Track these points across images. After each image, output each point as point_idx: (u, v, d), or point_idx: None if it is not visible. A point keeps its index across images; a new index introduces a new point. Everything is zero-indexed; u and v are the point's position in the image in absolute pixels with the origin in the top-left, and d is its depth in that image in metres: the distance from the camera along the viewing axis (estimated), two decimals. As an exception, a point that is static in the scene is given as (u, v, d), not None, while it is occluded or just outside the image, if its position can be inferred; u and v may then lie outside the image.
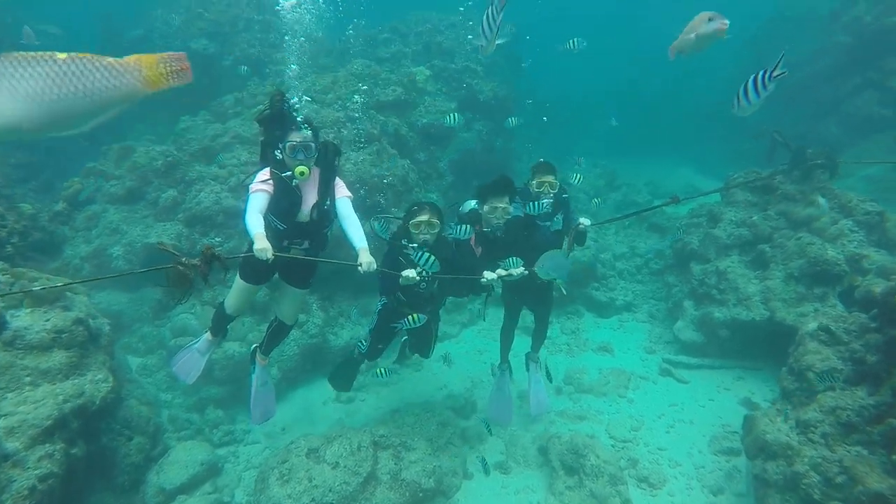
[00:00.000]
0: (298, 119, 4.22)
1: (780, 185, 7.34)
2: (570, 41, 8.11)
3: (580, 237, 5.29)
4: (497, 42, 5.28)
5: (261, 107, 4.31)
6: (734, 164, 14.55)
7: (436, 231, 4.66)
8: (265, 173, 4.11)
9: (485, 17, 3.80)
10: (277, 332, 5.17)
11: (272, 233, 4.19)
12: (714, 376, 7.34)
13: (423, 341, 5.47)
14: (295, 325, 5.21)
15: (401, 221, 4.98)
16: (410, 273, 4.34)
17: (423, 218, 4.61)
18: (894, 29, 11.63)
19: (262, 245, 3.72)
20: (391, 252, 4.83)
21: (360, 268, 4.00)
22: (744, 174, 8.00)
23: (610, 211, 12.41)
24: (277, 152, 4.15)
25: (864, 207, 6.87)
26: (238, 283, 4.71)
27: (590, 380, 7.40)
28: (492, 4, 3.66)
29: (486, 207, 5.09)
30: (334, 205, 4.36)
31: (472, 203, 5.37)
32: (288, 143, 4.07)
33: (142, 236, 7.50)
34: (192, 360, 5.12)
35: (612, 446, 6.14)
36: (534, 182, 5.21)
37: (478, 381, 7.56)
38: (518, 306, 6.05)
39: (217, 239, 7.71)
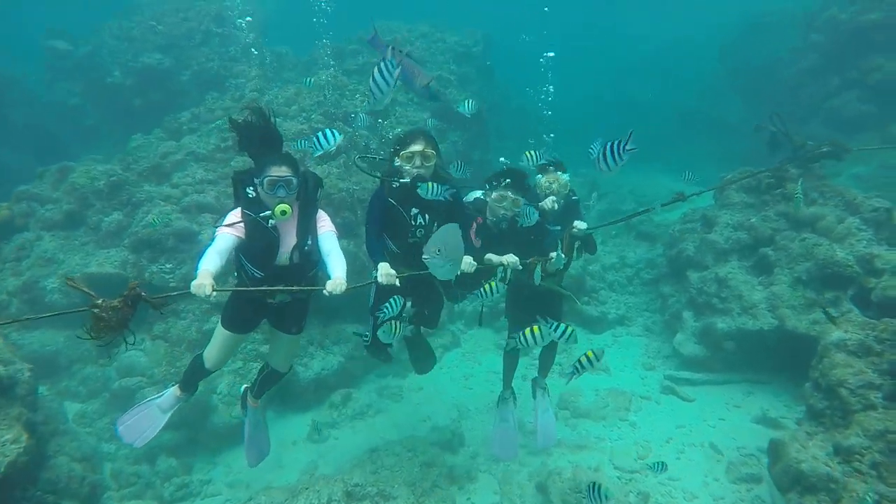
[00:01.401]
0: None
1: (783, 179, 6.84)
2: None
3: (588, 244, 4.69)
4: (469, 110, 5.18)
5: (230, 119, 3.65)
6: (718, 167, 14.34)
7: (431, 164, 3.89)
8: (235, 214, 3.57)
9: (377, 71, 3.45)
10: (269, 378, 4.48)
11: (250, 283, 3.71)
12: (721, 392, 6.74)
13: (430, 312, 4.72)
14: (289, 372, 4.50)
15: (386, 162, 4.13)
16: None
17: (417, 148, 3.83)
18: (870, 27, 11.50)
19: (200, 281, 3.10)
20: (377, 201, 4.02)
21: (324, 291, 3.34)
22: (737, 174, 7.51)
23: (595, 221, 11.90)
24: (250, 190, 3.58)
25: (870, 204, 6.42)
26: (219, 332, 4.00)
27: (587, 403, 6.74)
28: (384, 60, 3.46)
29: (494, 195, 4.44)
30: (317, 243, 3.73)
31: (478, 193, 4.72)
32: (266, 179, 3.48)
33: (81, 265, 6.68)
34: (149, 418, 4.22)
35: (619, 478, 5.46)
36: (542, 180, 4.60)
37: (465, 410, 6.84)
38: (523, 323, 5.28)
39: (167, 265, 6.92)
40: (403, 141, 3.94)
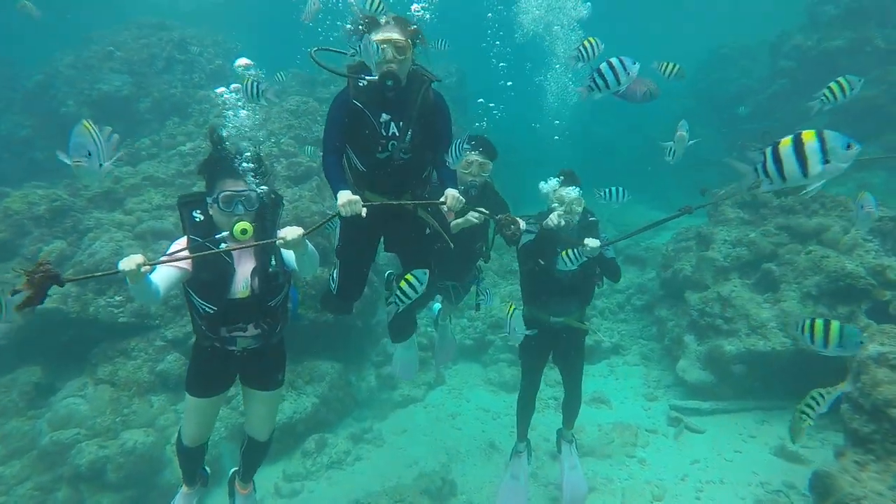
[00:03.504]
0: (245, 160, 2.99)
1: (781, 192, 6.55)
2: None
3: (609, 269, 4.22)
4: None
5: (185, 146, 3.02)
6: (691, 197, 14.28)
7: (407, 58, 3.08)
8: (180, 243, 3.00)
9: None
10: (252, 453, 3.63)
11: (202, 322, 3.06)
12: (732, 422, 6.19)
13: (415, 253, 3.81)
14: (272, 440, 3.62)
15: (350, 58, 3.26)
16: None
17: (388, 35, 3.00)
18: (836, 52, 11.76)
19: (130, 258, 2.48)
20: (338, 105, 3.22)
21: (277, 241, 2.78)
22: (733, 189, 7.21)
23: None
24: (197, 213, 3.00)
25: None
26: (187, 402, 3.30)
27: (590, 439, 6.10)
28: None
29: (461, 164, 3.79)
30: (283, 262, 3.11)
31: None
32: (222, 194, 2.90)
33: (12, 301, 5.81)
34: None
35: (636, 526, 4.81)
36: (553, 197, 4.06)
37: (454, 453, 6.11)
38: (541, 363, 4.60)
39: (117, 298, 6.12)
40: (371, 25, 3.07)
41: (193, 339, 3.29)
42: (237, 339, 3.10)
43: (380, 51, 3.00)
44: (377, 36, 3.01)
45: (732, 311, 6.39)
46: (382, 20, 3.07)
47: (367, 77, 3.07)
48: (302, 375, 6.64)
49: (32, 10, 8.72)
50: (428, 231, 3.64)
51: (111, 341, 6.07)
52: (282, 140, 8.78)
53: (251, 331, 3.10)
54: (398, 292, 3.20)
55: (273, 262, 3.07)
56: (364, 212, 2.90)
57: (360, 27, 3.05)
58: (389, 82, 3.02)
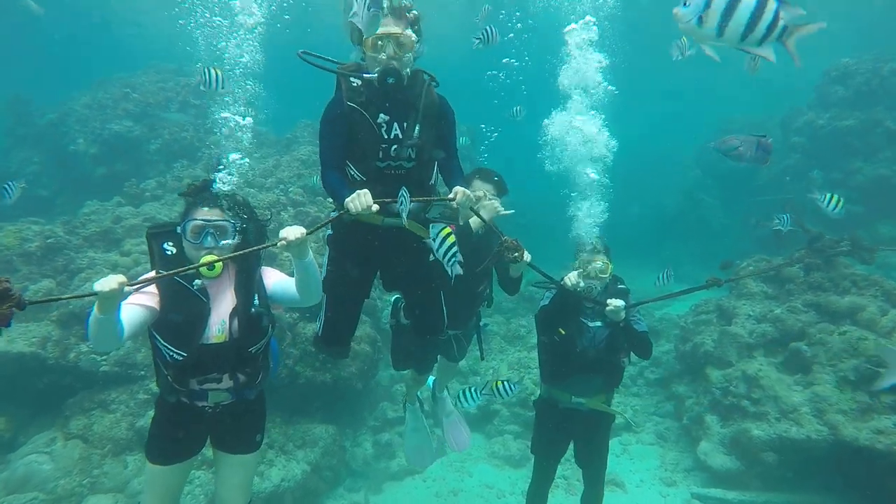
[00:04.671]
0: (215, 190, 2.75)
1: (811, 269, 6.27)
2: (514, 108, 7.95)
3: (638, 344, 3.69)
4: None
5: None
6: (704, 265, 14.05)
7: (409, 55, 2.77)
8: (149, 276, 2.61)
9: None
10: None
11: (170, 371, 2.65)
12: (762, 516, 5.64)
13: (421, 296, 3.37)
14: None
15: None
16: None
17: (388, 30, 2.69)
18: (848, 131, 11.85)
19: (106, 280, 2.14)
20: (333, 108, 2.89)
21: (277, 244, 2.45)
22: (753, 261, 6.96)
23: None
24: (168, 245, 2.68)
25: (913, 295, 5.84)
26: (147, 471, 2.85)
27: (605, 528, 5.51)
28: None
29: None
30: (267, 302, 2.77)
31: None
32: (190, 224, 2.62)
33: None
34: None
35: None
36: (575, 263, 3.68)
37: (457, 538, 5.52)
38: (558, 452, 4.04)
39: (120, 344, 5.69)
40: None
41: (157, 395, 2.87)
42: (208, 393, 2.71)
43: (378, 46, 2.71)
44: (377, 30, 2.69)
45: (760, 391, 5.95)
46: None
47: (364, 75, 2.76)
48: (293, 438, 6.11)
49: (34, 7, 8.70)
50: (432, 258, 3.18)
51: (90, 392, 5.60)
52: (290, 189, 8.62)
53: (226, 382, 2.72)
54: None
55: (256, 300, 2.72)
56: (375, 207, 2.50)
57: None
58: (390, 80, 2.68)
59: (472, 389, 4.20)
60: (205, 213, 2.65)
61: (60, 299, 2.24)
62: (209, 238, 2.61)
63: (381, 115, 2.80)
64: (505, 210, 3.59)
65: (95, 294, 2.11)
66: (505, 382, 4.26)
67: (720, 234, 15.08)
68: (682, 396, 7.30)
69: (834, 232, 7.25)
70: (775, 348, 6.36)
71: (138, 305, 2.50)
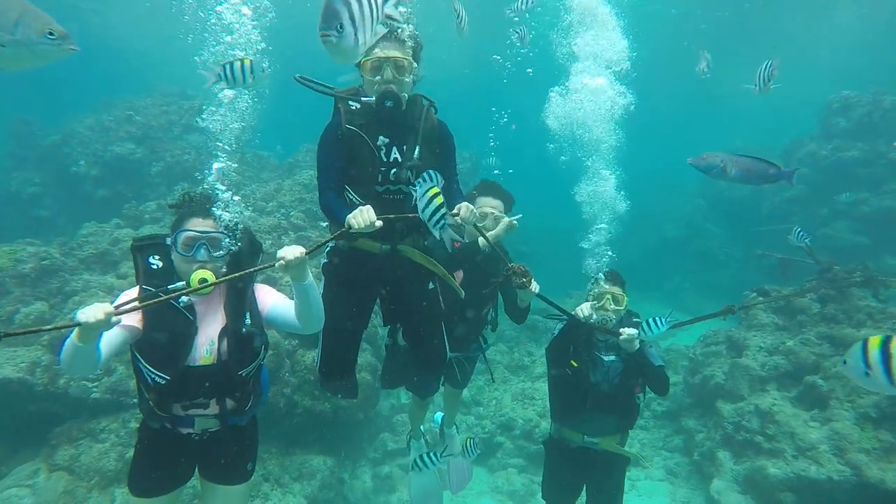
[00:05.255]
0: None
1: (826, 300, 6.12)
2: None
3: (654, 378, 3.49)
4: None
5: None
6: (706, 296, 13.89)
7: (408, 78, 2.71)
8: (129, 294, 2.44)
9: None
10: None
11: (152, 395, 2.48)
12: (780, 560, 5.36)
13: (418, 325, 3.22)
14: None
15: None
16: None
17: (387, 53, 2.65)
18: (851, 162, 11.84)
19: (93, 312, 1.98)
20: (331, 132, 2.82)
21: (276, 265, 2.31)
22: (757, 291, 6.81)
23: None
24: (154, 259, 2.52)
25: (929, 328, 5.68)
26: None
27: (616, 572, 5.23)
28: None
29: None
30: (260, 321, 2.60)
31: None
32: (182, 235, 2.46)
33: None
34: None
35: None
36: (591, 294, 3.51)
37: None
38: (570, 498, 3.79)
39: (96, 371, 5.49)
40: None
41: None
42: (195, 419, 2.52)
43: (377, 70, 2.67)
44: (375, 53, 2.66)
45: (775, 427, 5.74)
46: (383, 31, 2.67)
47: (362, 98, 2.72)
48: (290, 470, 5.86)
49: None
50: (432, 286, 3.11)
51: (78, 420, 5.37)
52: (291, 213, 8.51)
53: (213, 408, 2.53)
54: None
55: (248, 320, 2.54)
56: (379, 223, 2.40)
57: None
58: (388, 103, 2.64)
59: (431, 454, 4.07)
60: (198, 224, 2.49)
61: (41, 331, 2.06)
62: (202, 251, 2.45)
63: (381, 138, 2.75)
64: (513, 219, 3.36)
65: (79, 325, 1.95)
66: (470, 440, 4.30)
67: (723, 263, 14.95)
68: (691, 431, 7.07)
69: (842, 263, 7.16)
70: (789, 382, 6.17)
71: (120, 326, 2.30)
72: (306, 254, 2.30)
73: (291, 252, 2.27)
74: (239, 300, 2.57)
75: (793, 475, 5.35)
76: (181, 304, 2.43)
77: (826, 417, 5.52)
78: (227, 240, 2.53)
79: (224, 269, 2.53)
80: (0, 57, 2.00)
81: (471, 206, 2.66)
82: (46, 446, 5.13)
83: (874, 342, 2.49)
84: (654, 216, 18.52)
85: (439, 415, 4.73)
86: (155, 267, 2.50)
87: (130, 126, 10.72)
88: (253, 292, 2.65)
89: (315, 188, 8.91)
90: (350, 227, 2.40)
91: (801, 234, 6.22)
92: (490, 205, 3.53)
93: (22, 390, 5.16)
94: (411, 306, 3.11)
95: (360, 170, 2.76)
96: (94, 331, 1.99)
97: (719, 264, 15.02)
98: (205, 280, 2.39)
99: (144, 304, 2.27)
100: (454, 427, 4.69)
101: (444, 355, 3.27)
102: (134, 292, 2.43)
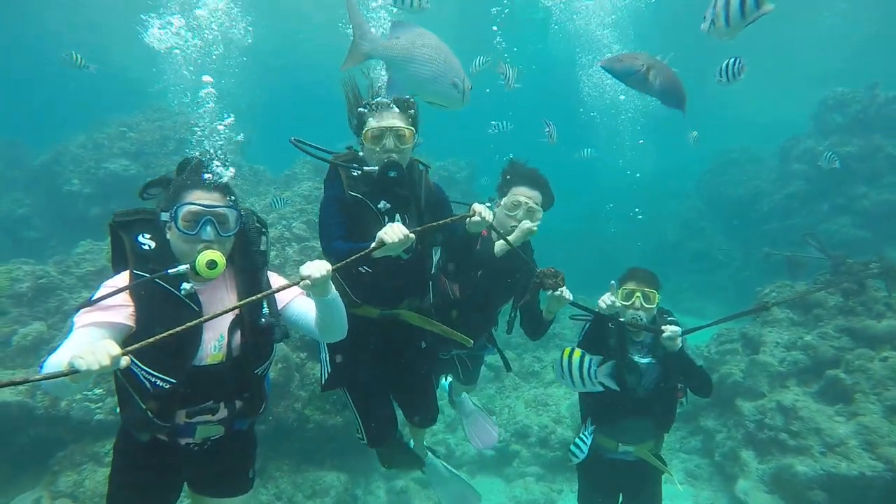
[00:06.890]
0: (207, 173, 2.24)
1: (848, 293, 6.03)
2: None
3: (697, 379, 3.24)
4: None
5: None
6: (708, 297, 13.82)
7: (408, 148, 2.79)
8: (115, 283, 2.06)
9: None
10: None
11: (152, 404, 2.05)
12: (814, 563, 5.20)
13: (414, 397, 3.31)
14: None
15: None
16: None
17: (389, 123, 2.74)
18: (849, 157, 11.88)
19: (98, 356, 1.56)
20: (334, 198, 2.82)
21: (299, 284, 2.04)
22: (776, 287, 6.73)
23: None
24: (145, 239, 2.14)
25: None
26: None
27: (646, 581, 5.04)
28: None
29: (504, 201, 3.21)
30: (277, 311, 2.27)
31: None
32: (182, 209, 2.06)
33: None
34: None
35: None
36: (619, 292, 3.20)
37: None
38: None
39: (97, 391, 5.29)
40: (369, 109, 2.76)
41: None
42: (196, 428, 2.17)
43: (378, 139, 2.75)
44: (377, 123, 2.73)
45: (799, 423, 5.61)
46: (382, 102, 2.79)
47: (364, 168, 2.75)
48: (303, 488, 5.66)
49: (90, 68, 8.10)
50: (423, 345, 3.12)
51: (81, 444, 5.15)
52: (293, 224, 8.36)
53: (221, 413, 2.19)
54: None
55: (265, 308, 2.21)
56: (412, 236, 2.29)
57: (362, 109, 2.80)
58: (392, 173, 2.71)
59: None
60: (202, 197, 2.10)
61: (28, 382, 1.61)
62: (208, 228, 2.05)
63: (383, 202, 2.81)
64: (533, 226, 3.12)
65: (75, 373, 1.53)
66: None
67: (723, 264, 14.90)
68: (711, 431, 6.91)
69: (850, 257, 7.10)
70: (809, 377, 6.06)
71: (106, 326, 1.93)
72: (334, 270, 2.07)
73: (317, 269, 2.00)
74: (253, 287, 2.22)
75: (823, 472, 5.21)
76: (182, 293, 2.07)
77: (852, 412, 5.41)
78: (237, 216, 2.16)
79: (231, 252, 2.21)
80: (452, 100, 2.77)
81: (485, 207, 2.63)
82: (48, 472, 4.91)
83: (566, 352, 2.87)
84: (652, 218, 18.54)
85: (445, 383, 4.37)
86: (146, 248, 2.11)
87: (124, 142, 10.56)
88: (267, 279, 2.34)
89: (315, 199, 8.73)
90: (383, 243, 2.25)
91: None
92: (526, 195, 3.20)
93: (23, 414, 4.94)
94: (406, 372, 3.12)
95: (364, 235, 2.64)
96: (104, 372, 1.60)
97: (718, 265, 14.97)
98: (214, 262, 1.97)
99: (157, 338, 1.73)
100: (463, 392, 4.45)
101: (435, 414, 3.35)
102: (121, 279, 2.06)
